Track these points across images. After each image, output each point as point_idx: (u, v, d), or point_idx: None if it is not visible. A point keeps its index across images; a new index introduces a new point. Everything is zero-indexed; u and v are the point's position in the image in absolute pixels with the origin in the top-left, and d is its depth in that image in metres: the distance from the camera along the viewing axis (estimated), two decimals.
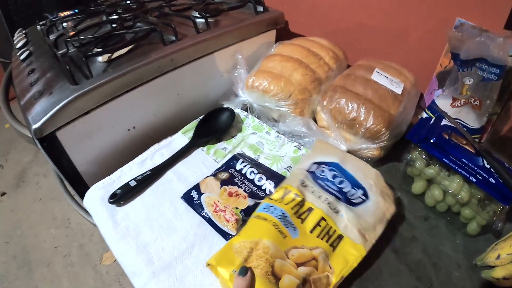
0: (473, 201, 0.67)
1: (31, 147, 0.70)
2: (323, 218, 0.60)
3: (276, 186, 0.68)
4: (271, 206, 0.61)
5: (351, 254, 0.57)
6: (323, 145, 0.75)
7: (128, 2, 1.07)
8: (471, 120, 0.86)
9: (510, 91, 0.87)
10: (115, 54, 0.77)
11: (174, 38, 0.81)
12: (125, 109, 0.76)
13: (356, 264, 0.57)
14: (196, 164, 0.76)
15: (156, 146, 0.78)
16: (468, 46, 0.77)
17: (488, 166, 0.67)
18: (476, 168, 0.66)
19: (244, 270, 0.45)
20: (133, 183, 0.69)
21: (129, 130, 0.80)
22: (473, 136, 0.88)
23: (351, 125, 0.76)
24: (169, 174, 0.73)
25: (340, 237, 0.59)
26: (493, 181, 0.65)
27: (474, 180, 0.65)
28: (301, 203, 0.62)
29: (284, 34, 1.05)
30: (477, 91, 0.81)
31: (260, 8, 1.01)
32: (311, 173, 0.68)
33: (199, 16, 0.92)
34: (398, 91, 0.80)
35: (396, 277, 0.60)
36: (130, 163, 0.75)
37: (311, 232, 0.58)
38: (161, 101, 0.83)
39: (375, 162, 0.80)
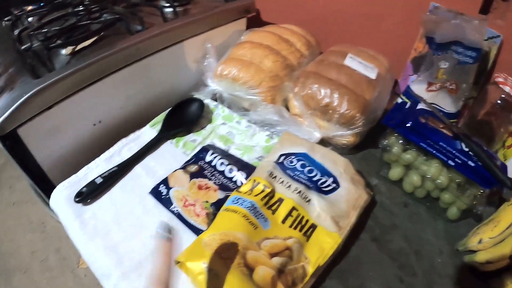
0: (452, 186, 0.65)
1: (3, 149, 0.66)
2: (294, 208, 0.58)
3: (247, 177, 0.65)
4: (239, 198, 0.58)
5: (326, 242, 0.56)
6: (291, 137, 0.72)
7: None
8: (448, 104, 0.84)
9: (486, 75, 0.86)
10: (79, 46, 0.73)
11: (140, 27, 0.78)
12: (90, 102, 0.72)
13: (332, 252, 0.55)
14: (165, 157, 0.72)
15: (123, 140, 0.74)
16: (443, 29, 0.76)
17: (466, 150, 0.65)
18: (454, 152, 0.64)
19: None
20: (99, 180, 0.65)
21: (95, 125, 0.76)
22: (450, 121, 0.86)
23: (324, 111, 0.73)
24: (137, 169, 0.70)
25: (313, 226, 0.57)
26: (473, 165, 0.63)
27: (452, 164, 0.63)
28: (271, 194, 0.60)
29: (256, 22, 1.02)
30: (453, 74, 0.79)
31: None
32: (280, 164, 0.66)
33: (167, 5, 0.88)
34: (373, 76, 0.77)
35: (378, 267, 0.59)
36: (97, 159, 0.71)
37: (283, 222, 0.57)
38: (127, 93, 0.79)
39: (351, 149, 0.78)
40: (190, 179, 0.65)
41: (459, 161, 0.64)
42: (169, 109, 0.79)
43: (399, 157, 0.70)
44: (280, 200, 0.59)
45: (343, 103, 0.71)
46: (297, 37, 0.87)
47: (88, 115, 0.74)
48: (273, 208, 0.58)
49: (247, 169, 0.67)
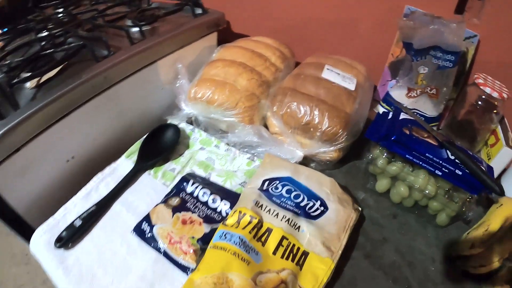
0: (440, 194, 0.65)
1: None
2: (284, 237, 0.56)
3: (232, 206, 0.62)
4: (227, 233, 0.55)
5: (319, 269, 0.54)
6: (273, 160, 0.70)
7: (59, 15, 0.97)
8: (429, 109, 0.84)
9: (465, 75, 0.85)
10: (44, 77, 0.69)
11: (106, 52, 0.73)
12: (60, 138, 0.68)
13: (326, 278, 0.54)
14: (144, 190, 0.68)
15: (99, 175, 0.70)
16: (421, 34, 0.75)
17: (453, 158, 0.64)
18: (441, 161, 0.63)
19: None
20: (78, 223, 0.61)
21: (68, 161, 0.71)
22: (431, 124, 0.86)
23: (305, 129, 0.71)
24: (117, 206, 0.66)
25: (305, 254, 0.56)
26: (460, 173, 0.62)
27: (440, 173, 0.63)
28: (259, 225, 0.57)
29: (226, 35, 0.99)
30: (433, 79, 0.78)
31: (199, 10, 0.93)
32: (264, 191, 0.63)
33: (133, 25, 0.84)
34: (352, 87, 0.75)
35: (372, 283, 0.58)
36: (73, 198, 0.66)
37: (274, 253, 0.55)
38: (99, 124, 0.74)
39: (335, 164, 0.76)
40: (173, 214, 0.61)
41: (446, 170, 0.63)
42: (144, 137, 0.75)
43: (384, 169, 0.68)
44: (269, 230, 0.57)
45: (324, 120, 0.68)
46: (271, 51, 0.84)
47: (60, 152, 0.70)
48: (262, 239, 0.56)
49: (231, 197, 0.64)
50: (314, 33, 0.98)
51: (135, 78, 0.76)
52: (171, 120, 0.80)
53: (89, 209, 0.63)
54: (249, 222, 0.57)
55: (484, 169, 0.64)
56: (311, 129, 0.70)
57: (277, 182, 0.65)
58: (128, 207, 0.65)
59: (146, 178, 0.70)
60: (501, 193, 0.60)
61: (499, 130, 0.81)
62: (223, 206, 0.63)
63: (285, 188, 0.64)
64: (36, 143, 0.63)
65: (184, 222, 0.60)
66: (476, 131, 0.83)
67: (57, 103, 0.63)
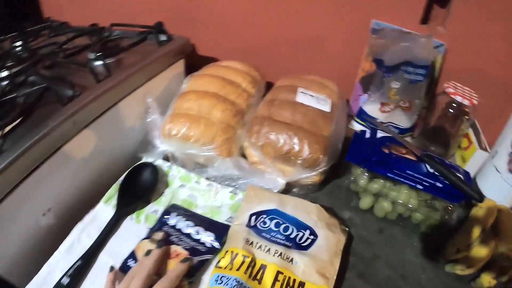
0: (421, 205, 0.67)
1: None
2: (279, 272, 0.56)
3: (217, 237, 0.62)
4: (222, 277, 0.55)
5: None
6: (256, 192, 0.68)
7: (17, 49, 0.92)
8: (403, 121, 0.85)
9: (434, 84, 0.86)
10: (7, 128, 0.63)
11: (71, 93, 0.69)
12: (32, 193, 0.63)
13: None
14: (129, 237, 0.65)
15: (79, 225, 0.66)
16: (392, 51, 0.76)
17: (432, 171, 0.66)
18: (421, 176, 0.65)
19: (160, 244, 0.56)
20: (66, 280, 0.57)
21: (44, 214, 0.67)
22: (406, 134, 0.87)
23: (286, 158, 0.70)
24: (103, 257, 0.62)
25: (301, 284, 0.55)
26: (440, 185, 0.64)
27: (421, 187, 0.64)
28: (252, 264, 0.57)
29: (193, 60, 0.96)
30: (406, 93, 0.79)
31: (163, 37, 0.91)
32: (253, 227, 0.63)
33: (96, 58, 0.80)
34: (327, 108, 0.75)
35: None
36: (56, 253, 0.63)
37: None
38: (72, 172, 0.70)
39: (317, 186, 0.76)
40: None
41: (427, 184, 0.64)
42: (121, 179, 0.72)
43: (366, 188, 0.69)
44: (263, 267, 0.57)
45: (304, 147, 0.68)
46: (241, 76, 0.82)
47: (35, 206, 0.65)
48: (258, 277, 0.56)
49: (215, 228, 0.63)
50: (282, 52, 0.98)
51: (104, 118, 0.72)
52: (146, 158, 0.77)
53: (75, 263, 0.59)
54: (243, 262, 0.56)
55: (462, 177, 0.66)
56: (292, 157, 0.69)
57: (264, 216, 0.64)
58: (115, 257, 0.61)
59: (129, 223, 0.68)
60: (480, 199, 0.62)
61: (471, 133, 0.83)
62: (206, 237, 0.62)
63: (273, 221, 0.63)
64: (7, 202, 0.59)
65: (170, 257, 0.59)
66: (449, 137, 0.85)
67: (25, 157, 0.59)
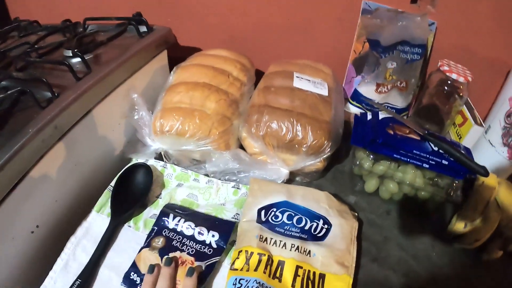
0: (426, 183, 0.67)
1: None
2: (298, 267, 0.54)
3: (222, 236, 0.57)
4: (241, 279, 0.51)
5: (339, 287, 0.53)
6: (261, 185, 0.65)
7: None
8: (399, 101, 0.84)
9: (427, 62, 0.86)
10: None
11: (50, 95, 0.63)
12: (18, 209, 0.57)
13: None
14: (130, 247, 0.60)
15: (73, 240, 0.60)
16: (388, 31, 0.74)
17: (436, 149, 0.65)
18: (427, 155, 0.64)
19: (168, 261, 0.53)
20: None
21: (33, 232, 0.60)
22: (401, 114, 0.86)
23: (290, 146, 0.67)
24: (104, 272, 0.57)
25: (322, 277, 0.54)
26: (446, 162, 0.63)
27: (427, 166, 0.64)
28: (269, 261, 0.54)
29: (175, 52, 0.91)
30: (402, 73, 0.78)
31: (144, 28, 0.85)
32: (265, 223, 0.59)
33: (73, 55, 0.73)
34: (325, 92, 0.72)
35: (386, 284, 0.58)
36: (51, 273, 0.57)
37: (293, 286, 0.52)
38: (58, 182, 0.63)
39: (320, 173, 0.74)
40: (161, 257, 0.55)
41: (433, 162, 0.64)
42: (112, 185, 0.67)
43: (371, 170, 0.68)
44: (281, 263, 0.54)
45: (308, 134, 0.65)
46: (231, 64, 0.78)
47: (22, 224, 0.58)
48: (277, 275, 0.53)
49: (219, 226, 0.59)
50: (270, 39, 0.95)
51: (88, 120, 0.66)
52: (137, 158, 0.72)
53: (74, 283, 0.54)
54: (259, 261, 0.54)
55: (464, 153, 0.65)
56: (296, 145, 0.66)
57: (275, 209, 0.61)
58: (117, 271, 0.56)
59: (127, 232, 0.62)
60: (486, 174, 0.62)
61: (465, 110, 0.83)
62: (211, 238, 0.58)
63: (285, 214, 0.61)
64: None
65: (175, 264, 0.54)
66: (443, 114, 0.85)
67: (5, 171, 0.52)
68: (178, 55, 0.86)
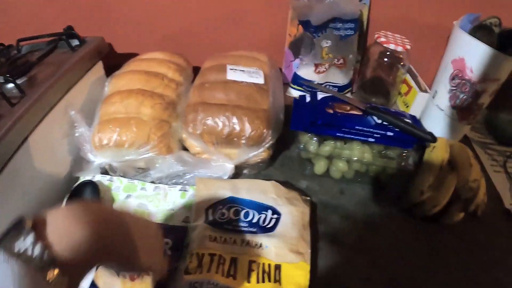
0: (376, 156, 0.67)
1: None
2: (251, 261, 0.54)
3: (175, 242, 0.57)
4: (195, 283, 0.51)
5: (298, 276, 0.53)
6: (206, 184, 0.65)
7: None
8: (340, 78, 0.84)
9: (364, 36, 0.85)
10: None
11: None
12: None
13: (308, 281, 0.52)
14: None
15: None
16: (318, 10, 0.74)
17: (380, 122, 0.65)
18: (371, 129, 0.64)
19: None
20: None
21: None
22: (345, 91, 0.86)
23: (229, 141, 0.66)
24: None
25: (278, 267, 0.53)
26: (391, 134, 0.64)
27: (373, 140, 0.65)
28: (221, 260, 0.54)
29: (114, 60, 0.89)
30: (338, 50, 0.78)
31: (76, 42, 0.83)
32: (212, 222, 0.59)
33: (5, 81, 0.71)
34: (261, 80, 0.72)
35: (350, 265, 0.58)
36: None
37: (249, 282, 0.52)
38: (8, 215, 0.61)
39: (268, 162, 0.73)
40: (117, 273, 0.53)
41: (378, 135, 0.64)
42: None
43: (318, 152, 0.68)
44: (234, 261, 0.54)
45: (245, 125, 0.64)
46: (165, 66, 0.77)
47: None
48: (231, 272, 0.53)
49: (171, 233, 0.59)
50: (204, 34, 0.94)
51: (28, 145, 0.64)
52: (84, 176, 0.70)
53: None
54: (211, 261, 0.53)
55: (410, 122, 0.65)
56: (235, 138, 0.65)
57: (221, 207, 0.61)
58: None
59: None
60: (433, 139, 0.62)
61: (408, 78, 0.84)
62: (164, 246, 0.57)
63: (232, 210, 0.60)
64: None
65: (132, 278, 0.53)
66: (388, 86, 0.85)
67: None
68: (116, 62, 0.84)
